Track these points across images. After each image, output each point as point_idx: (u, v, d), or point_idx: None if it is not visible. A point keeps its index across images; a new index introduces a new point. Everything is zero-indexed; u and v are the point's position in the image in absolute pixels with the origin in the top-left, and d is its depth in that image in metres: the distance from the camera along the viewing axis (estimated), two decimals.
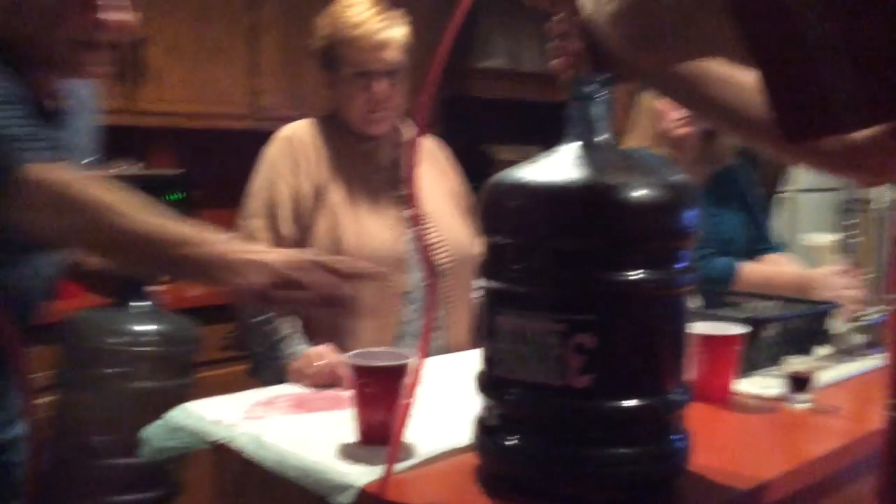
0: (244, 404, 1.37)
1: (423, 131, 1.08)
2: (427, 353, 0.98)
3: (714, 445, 1.23)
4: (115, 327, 1.49)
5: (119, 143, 2.18)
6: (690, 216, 0.95)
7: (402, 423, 1.00)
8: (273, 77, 3.05)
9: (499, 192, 0.98)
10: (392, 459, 0.99)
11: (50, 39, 1.26)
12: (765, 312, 1.72)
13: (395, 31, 1.76)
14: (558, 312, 0.93)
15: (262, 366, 1.65)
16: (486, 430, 1.03)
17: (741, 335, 1.42)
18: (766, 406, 1.40)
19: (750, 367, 1.54)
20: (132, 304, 1.52)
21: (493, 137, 3.84)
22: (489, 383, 1.01)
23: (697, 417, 1.35)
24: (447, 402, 1.30)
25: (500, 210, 0.98)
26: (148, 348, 1.51)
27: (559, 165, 0.96)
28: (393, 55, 1.75)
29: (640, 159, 0.99)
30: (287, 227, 1.72)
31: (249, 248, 1.11)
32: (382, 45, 1.73)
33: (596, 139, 0.99)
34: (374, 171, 1.81)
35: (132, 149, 2.86)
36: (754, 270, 2.08)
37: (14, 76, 1.26)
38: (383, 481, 1.00)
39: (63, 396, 1.53)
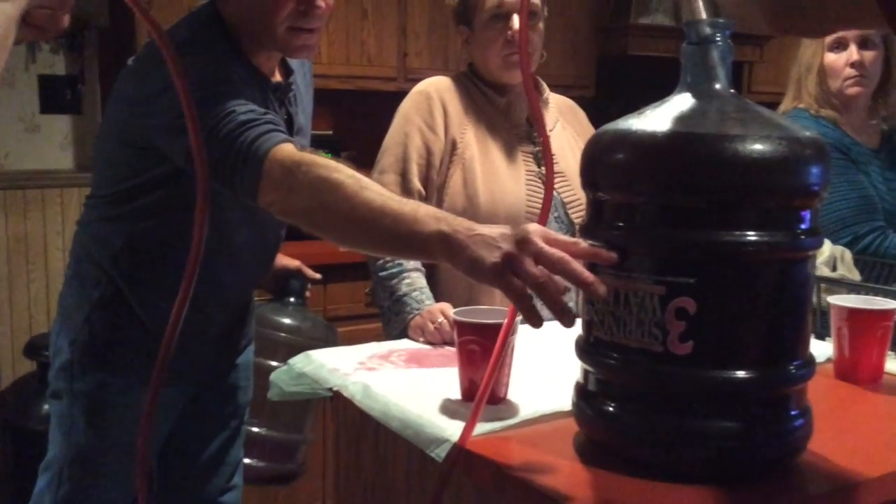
0: (362, 355, 1.40)
1: (527, 79, 1.02)
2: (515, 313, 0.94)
3: (849, 428, 1.13)
4: (267, 317, 1.81)
5: None
6: (812, 173, 0.86)
7: (488, 381, 0.98)
8: (422, 39, 3.07)
9: (601, 144, 0.93)
10: (474, 416, 0.97)
11: (268, 25, 1.36)
12: None
13: None
14: (659, 274, 0.87)
15: (388, 320, 1.68)
16: (584, 395, 0.99)
17: (893, 310, 1.28)
18: None
19: None
20: (288, 300, 1.83)
21: (652, 98, 3.67)
22: (587, 347, 0.97)
23: (838, 397, 1.26)
24: (558, 366, 1.27)
25: (602, 163, 0.93)
26: (285, 335, 1.81)
27: (667, 115, 0.89)
28: None
29: (760, 110, 0.91)
30: (418, 182, 1.73)
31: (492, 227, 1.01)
32: None
33: (711, 88, 0.91)
34: (510, 127, 1.79)
35: None
36: None
37: (244, 59, 1.41)
38: (463, 438, 0.99)
39: None
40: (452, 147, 1.74)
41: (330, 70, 2.83)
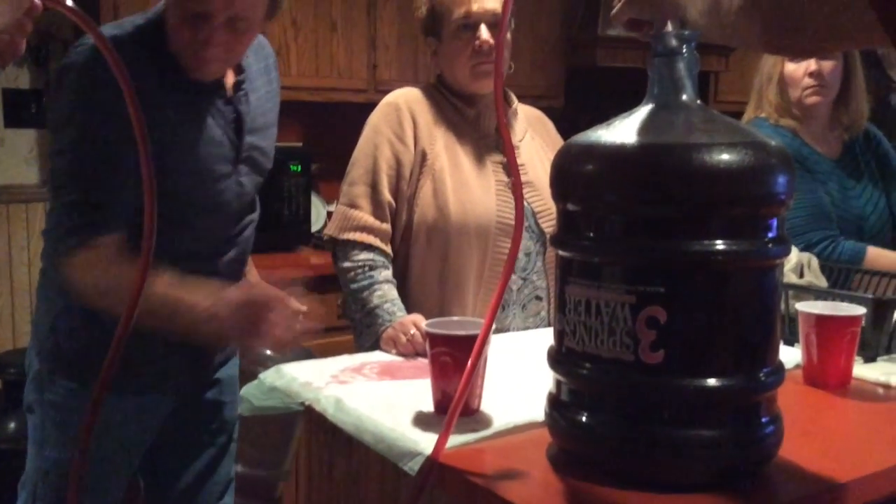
0: (335, 368, 1.39)
1: (498, 89, 1.02)
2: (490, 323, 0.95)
3: (819, 434, 1.14)
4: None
5: None
6: (779, 182, 0.87)
7: (462, 393, 0.98)
8: (391, 51, 3.07)
9: (570, 156, 0.93)
10: (447, 428, 0.97)
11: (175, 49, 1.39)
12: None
13: None
14: (629, 283, 0.87)
15: (360, 332, 1.67)
16: (557, 405, 0.99)
17: (860, 317, 1.30)
18: (890, 395, 1.29)
19: (875, 352, 1.42)
20: None
21: (621, 109, 3.70)
22: (559, 357, 0.97)
23: (808, 403, 1.27)
24: (531, 376, 1.27)
25: (571, 175, 0.93)
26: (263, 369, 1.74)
27: (635, 126, 0.90)
28: (495, 4, 1.72)
29: (726, 121, 0.92)
30: (388, 194, 1.72)
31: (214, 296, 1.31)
32: None
33: (678, 99, 0.92)
34: (479, 138, 1.79)
35: None
36: (883, 256, 1.91)
37: (177, 63, 1.41)
38: (436, 451, 0.98)
39: None
40: (422, 158, 1.74)
41: (299, 82, 2.82)
